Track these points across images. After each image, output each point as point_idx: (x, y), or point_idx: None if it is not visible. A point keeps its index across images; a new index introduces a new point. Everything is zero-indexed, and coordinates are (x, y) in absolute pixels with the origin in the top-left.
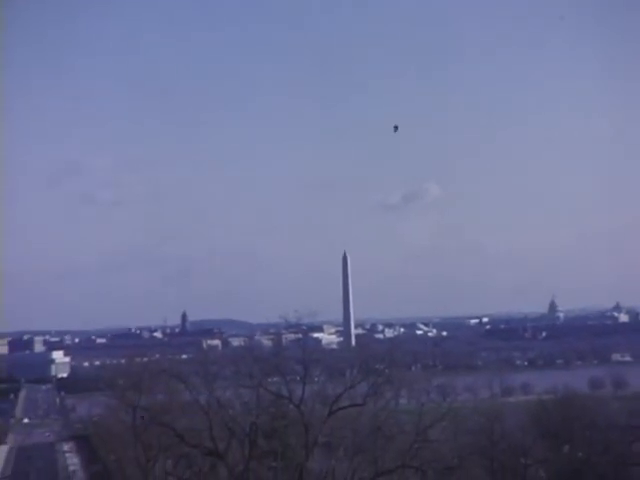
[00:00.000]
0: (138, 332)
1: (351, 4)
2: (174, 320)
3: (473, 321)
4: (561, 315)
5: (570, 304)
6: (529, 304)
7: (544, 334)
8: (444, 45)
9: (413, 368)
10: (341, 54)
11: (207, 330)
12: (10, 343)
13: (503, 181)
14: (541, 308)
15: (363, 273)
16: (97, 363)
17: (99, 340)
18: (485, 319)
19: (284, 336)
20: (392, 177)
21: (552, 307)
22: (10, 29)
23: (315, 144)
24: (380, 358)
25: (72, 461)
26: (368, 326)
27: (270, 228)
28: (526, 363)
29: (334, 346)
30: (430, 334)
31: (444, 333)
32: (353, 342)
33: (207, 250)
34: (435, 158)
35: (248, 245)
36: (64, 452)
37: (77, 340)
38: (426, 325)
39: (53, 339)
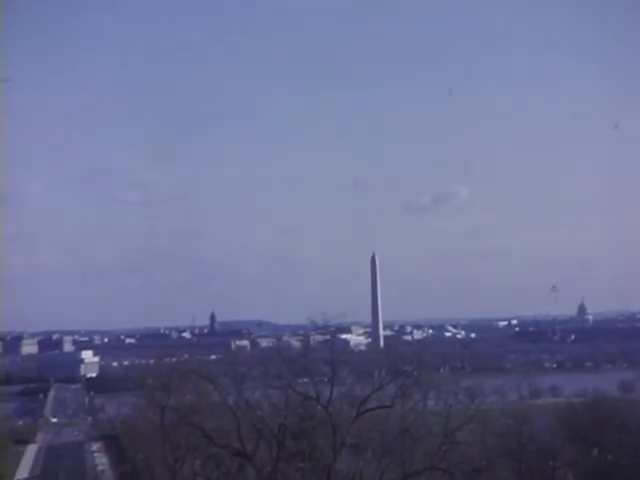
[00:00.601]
0: (167, 332)
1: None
2: (203, 320)
3: (502, 323)
4: (590, 318)
5: (599, 307)
6: (558, 307)
7: (573, 337)
8: (467, 42)
9: (441, 370)
10: (372, 53)
11: (236, 331)
12: (39, 343)
13: (532, 183)
14: (570, 311)
15: (392, 274)
16: (126, 363)
17: (128, 340)
18: (514, 321)
19: (312, 337)
20: (421, 179)
21: (581, 310)
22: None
23: (346, 145)
24: (408, 360)
25: (101, 461)
26: (396, 328)
27: (299, 229)
28: (555, 366)
29: (362, 347)
30: (459, 336)
31: (472, 335)
32: (381, 343)
33: (236, 251)
34: (464, 160)
35: (276, 246)
36: (93, 452)
37: (106, 340)
38: (455, 327)
39: (82, 339)
